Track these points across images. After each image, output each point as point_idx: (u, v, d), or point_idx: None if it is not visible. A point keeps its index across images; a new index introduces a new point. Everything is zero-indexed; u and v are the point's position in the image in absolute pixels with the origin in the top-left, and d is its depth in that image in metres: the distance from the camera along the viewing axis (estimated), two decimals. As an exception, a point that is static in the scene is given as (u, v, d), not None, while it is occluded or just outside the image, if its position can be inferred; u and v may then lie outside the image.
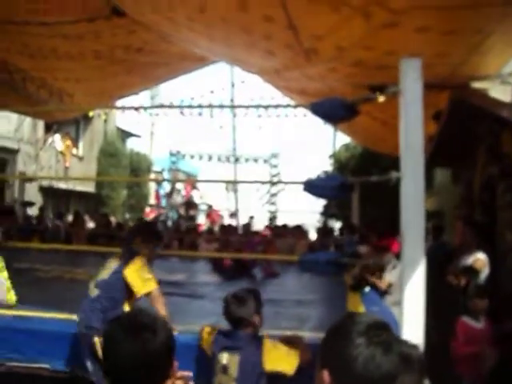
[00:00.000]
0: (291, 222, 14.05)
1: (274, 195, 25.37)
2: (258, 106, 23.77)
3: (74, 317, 4.26)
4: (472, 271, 6.26)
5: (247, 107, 21.67)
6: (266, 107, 21.73)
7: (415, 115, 2.97)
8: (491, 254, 6.52)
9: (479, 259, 6.35)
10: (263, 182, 31.93)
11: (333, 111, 3.44)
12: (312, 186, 3.41)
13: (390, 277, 7.01)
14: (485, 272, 6.29)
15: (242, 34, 5.72)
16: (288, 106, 16.39)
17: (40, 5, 6.59)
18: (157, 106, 25.59)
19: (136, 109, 19.76)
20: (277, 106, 21.21)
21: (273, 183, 27.55)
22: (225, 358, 3.45)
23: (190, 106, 22.63)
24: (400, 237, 3.07)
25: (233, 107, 18.97)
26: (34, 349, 4.21)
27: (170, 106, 23.08)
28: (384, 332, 1.63)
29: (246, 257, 8.19)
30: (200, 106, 21.32)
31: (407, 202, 2.99)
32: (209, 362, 3.59)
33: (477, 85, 6.41)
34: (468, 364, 5.09)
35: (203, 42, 6.82)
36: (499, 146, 6.79)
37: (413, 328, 2.90)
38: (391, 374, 1.58)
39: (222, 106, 22.81)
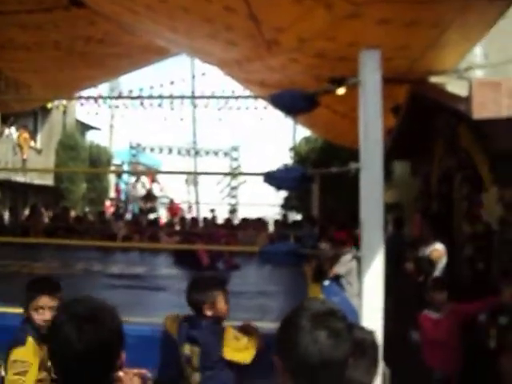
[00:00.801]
0: (252, 215, 14.07)
1: (234, 188, 25.37)
2: (218, 97, 23.72)
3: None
4: (429, 263, 6.35)
5: (208, 98, 21.61)
6: (227, 98, 21.69)
7: (374, 106, 3.00)
8: (449, 245, 6.64)
9: (436, 249, 6.46)
10: (224, 174, 31.91)
11: (292, 103, 3.42)
12: (272, 178, 3.39)
13: (343, 269, 7.14)
14: (442, 262, 6.41)
15: (203, 24, 5.70)
16: (248, 97, 16.41)
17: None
18: (117, 97, 25.30)
19: (95, 99, 19.48)
20: (237, 97, 21.17)
21: (233, 175, 27.54)
22: (187, 348, 3.49)
23: (150, 97, 22.44)
24: (359, 228, 3.09)
25: (193, 98, 18.88)
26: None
27: (131, 97, 22.85)
28: (332, 318, 1.60)
29: (206, 248, 8.15)
30: (160, 97, 21.15)
31: (366, 193, 3.02)
32: (176, 348, 3.61)
33: (434, 79, 6.53)
34: (436, 355, 5.16)
35: (166, 32, 6.78)
36: (456, 139, 6.92)
37: (372, 316, 2.93)
38: (338, 359, 1.55)
39: (182, 97, 22.66)
